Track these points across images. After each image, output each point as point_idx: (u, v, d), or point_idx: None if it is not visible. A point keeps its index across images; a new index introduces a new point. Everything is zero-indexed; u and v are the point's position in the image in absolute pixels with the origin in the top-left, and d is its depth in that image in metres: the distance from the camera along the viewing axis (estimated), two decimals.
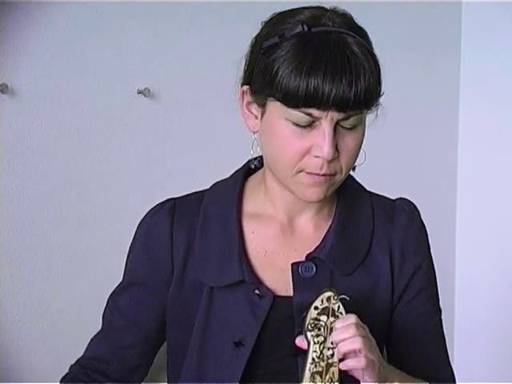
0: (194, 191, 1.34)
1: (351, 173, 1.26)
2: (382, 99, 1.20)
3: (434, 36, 2.90)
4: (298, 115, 1.13)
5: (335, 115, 1.13)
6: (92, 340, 1.34)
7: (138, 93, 2.26)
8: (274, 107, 1.16)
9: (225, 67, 2.37)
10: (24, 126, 2.08)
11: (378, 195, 1.34)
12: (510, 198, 2.87)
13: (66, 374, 1.32)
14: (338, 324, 1.12)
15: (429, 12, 2.86)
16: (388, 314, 1.29)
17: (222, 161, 2.41)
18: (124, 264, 2.24)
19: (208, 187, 1.34)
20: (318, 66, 1.11)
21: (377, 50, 1.19)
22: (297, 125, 1.14)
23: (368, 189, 1.35)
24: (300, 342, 1.14)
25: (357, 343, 1.10)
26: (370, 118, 1.21)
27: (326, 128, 1.14)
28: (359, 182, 1.34)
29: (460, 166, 3.00)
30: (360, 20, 1.21)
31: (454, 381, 1.34)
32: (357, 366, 1.11)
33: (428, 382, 1.28)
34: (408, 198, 1.35)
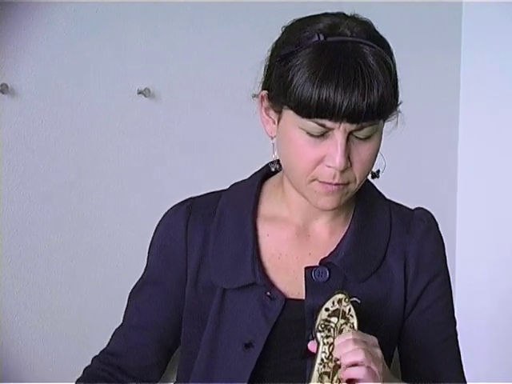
0: (212, 191, 1.34)
1: (373, 181, 1.26)
2: None
3: (434, 36, 2.90)
4: (311, 125, 1.13)
5: (348, 126, 1.12)
6: (114, 333, 1.35)
7: (138, 93, 2.26)
8: (289, 116, 1.15)
9: (225, 67, 2.39)
10: (24, 126, 2.08)
11: (396, 204, 1.33)
12: (509, 198, 2.87)
13: (89, 366, 1.33)
14: (337, 341, 1.12)
15: (429, 12, 2.86)
16: (399, 323, 1.29)
17: (221, 161, 2.42)
18: (124, 264, 2.25)
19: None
20: (331, 77, 1.10)
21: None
22: (310, 134, 1.14)
23: None
24: (312, 346, 1.13)
25: (359, 355, 1.09)
26: (388, 125, 1.20)
27: (338, 139, 1.13)
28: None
29: (460, 166, 3.00)
30: None
31: None
32: (357, 375, 1.10)
33: None
34: (426, 208, 1.34)
